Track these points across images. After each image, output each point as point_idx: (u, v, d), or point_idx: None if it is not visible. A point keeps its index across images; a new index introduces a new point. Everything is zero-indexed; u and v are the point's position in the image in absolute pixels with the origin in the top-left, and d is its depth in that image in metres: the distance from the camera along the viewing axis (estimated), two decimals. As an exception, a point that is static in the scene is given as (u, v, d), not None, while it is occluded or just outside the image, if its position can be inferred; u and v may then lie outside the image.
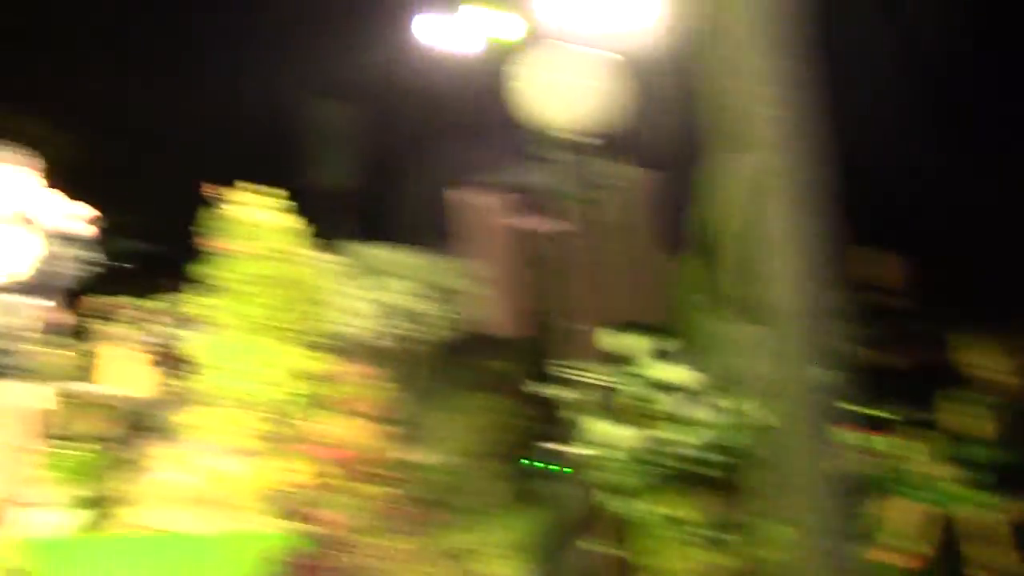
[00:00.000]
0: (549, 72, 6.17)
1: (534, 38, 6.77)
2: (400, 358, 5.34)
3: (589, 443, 3.96)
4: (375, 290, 5.39)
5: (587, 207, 6.47)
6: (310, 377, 4.09)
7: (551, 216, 6.69)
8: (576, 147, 6.24)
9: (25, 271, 2.63)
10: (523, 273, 7.31)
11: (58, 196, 2.87)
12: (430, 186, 8.20)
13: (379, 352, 5.13)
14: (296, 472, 3.80)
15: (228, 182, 4.37)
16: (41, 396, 2.98)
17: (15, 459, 2.77)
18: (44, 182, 2.98)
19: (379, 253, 5.80)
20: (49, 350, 5.02)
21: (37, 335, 3.09)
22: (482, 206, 7.77)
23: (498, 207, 7.69)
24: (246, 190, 4.37)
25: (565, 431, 4.20)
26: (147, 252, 16.58)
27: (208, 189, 4.27)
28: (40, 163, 3.03)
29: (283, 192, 4.40)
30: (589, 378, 4.14)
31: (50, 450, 4.37)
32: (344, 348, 4.59)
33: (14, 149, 2.81)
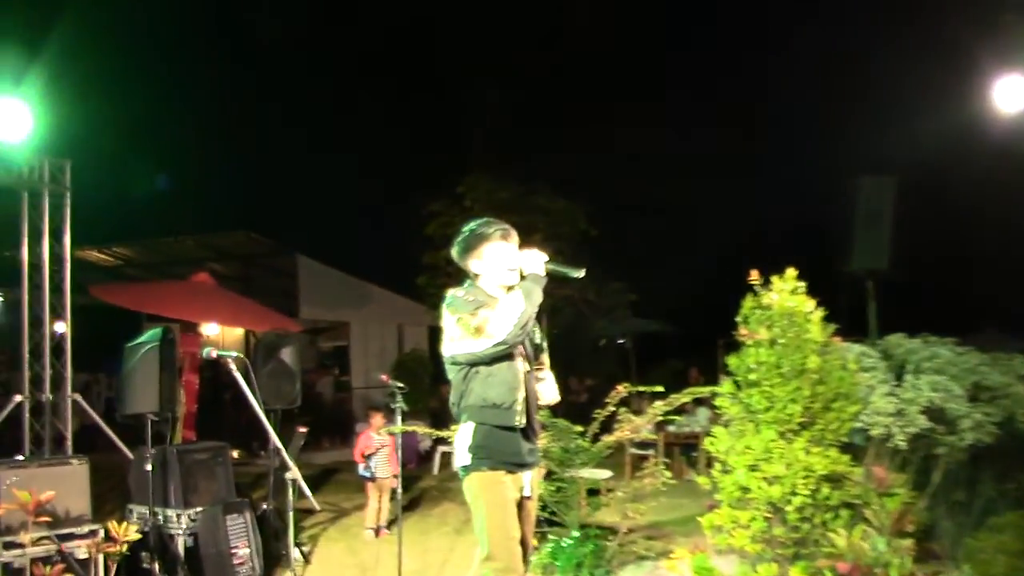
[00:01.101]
0: None
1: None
2: (928, 463, 4.97)
3: None
4: (906, 387, 4.95)
5: None
6: (829, 479, 3.96)
7: None
8: None
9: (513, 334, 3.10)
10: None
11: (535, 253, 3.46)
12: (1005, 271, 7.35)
13: (904, 455, 4.86)
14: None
15: (761, 265, 4.35)
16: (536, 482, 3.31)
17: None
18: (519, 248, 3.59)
19: (913, 344, 5.40)
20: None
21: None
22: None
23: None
24: (785, 276, 4.32)
25: None
26: (661, 332, 18.25)
27: (752, 274, 4.26)
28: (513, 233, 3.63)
29: (816, 276, 4.35)
30: None
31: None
32: (864, 448, 4.44)
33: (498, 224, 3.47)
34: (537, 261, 3.25)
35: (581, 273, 3.28)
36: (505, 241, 3.38)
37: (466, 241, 3.40)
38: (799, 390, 4.17)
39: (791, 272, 4.42)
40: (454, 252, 3.44)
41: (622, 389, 5.71)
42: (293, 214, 21.85)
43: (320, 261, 14.86)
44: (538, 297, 3.19)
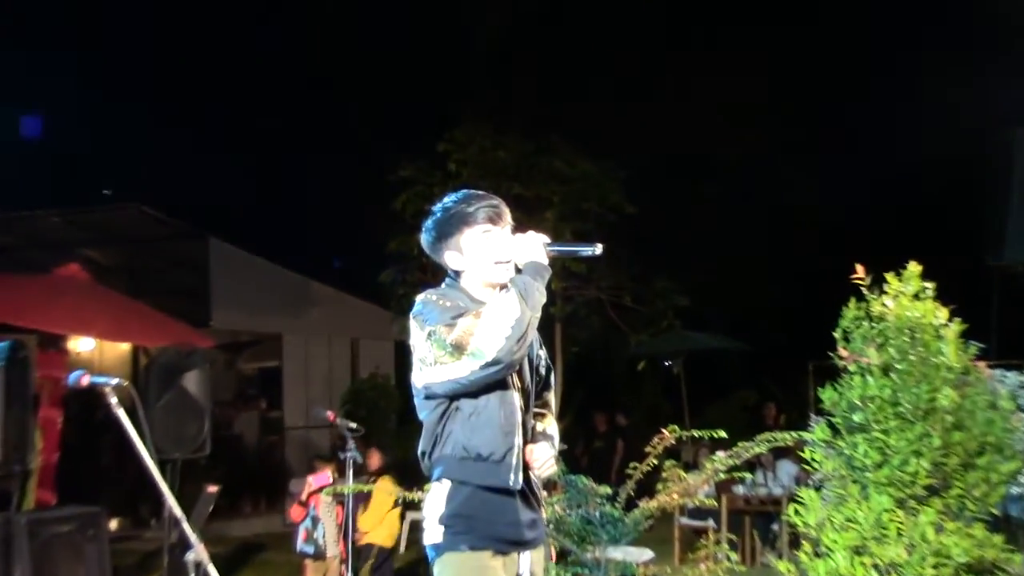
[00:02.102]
0: None
1: None
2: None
3: None
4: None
5: None
6: (973, 570, 3.98)
7: None
8: None
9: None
10: None
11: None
12: None
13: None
14: None
15: (868, 258, 4.34)
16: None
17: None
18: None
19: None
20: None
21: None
22: None
23: None
24: (906, 274, 4.33)
25: None
26: (724, 350, 18.32)
27: (857, 270, 4.21)
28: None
29: (949, 274, 4.39)
30: None
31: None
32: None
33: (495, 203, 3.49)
34: (534, 245, 3.34)
35: (597, 250, 3.37)
36: (493, 224, 3.44)
37: (439, 225, 3.45)
38: (926, 438, 4.17)
39: (914, 268, 4.44)
40: (423, 241, 3.51)
41: (669, 433, 5.71)
42: (205, 183, 21.68)
43: (243, 248, 15.02)
44: (540, 296, 3.25)
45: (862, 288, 4.37)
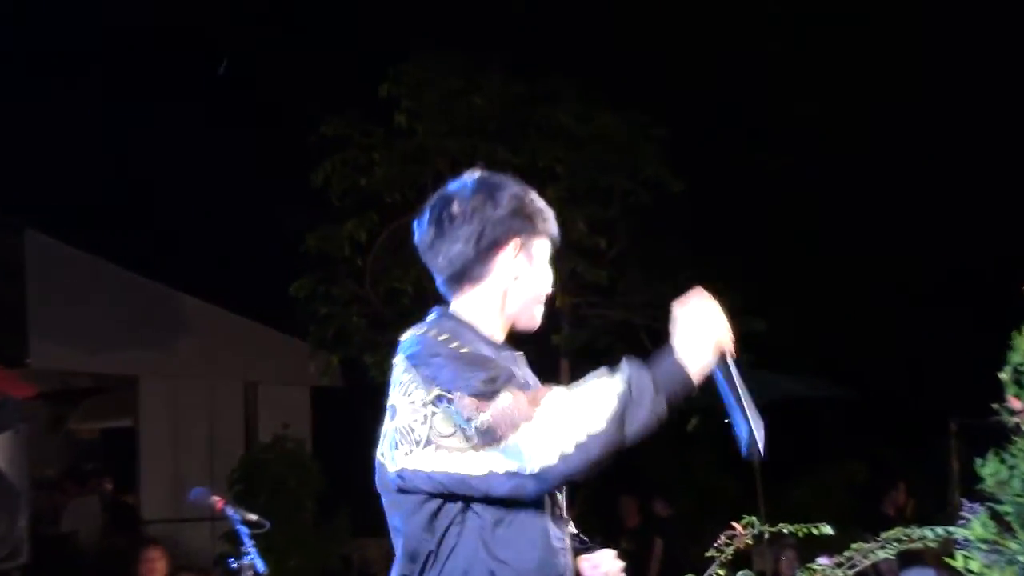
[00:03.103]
0: None
1: None
2: None
3: None
4: None
5: None
6: None
7: None
8: None
9: None
10: None
11: None
12: None
13: None
14: None
15: None
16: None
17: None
18: None
19: None
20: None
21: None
22: None
23: None
24: None
25: None
26: (816, 398, 18.16)
27: None
28: None
29: None
30: None
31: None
32: None
33: None
34: (704, 339, 3.33)
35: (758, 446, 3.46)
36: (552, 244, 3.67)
37: (521, 207, 3.55)
38: None
39: None
40: (461, 236, 3.51)
41: (742, 528, 5.68)
42: (24, 153, 21.67)
43: (79, 246, 15.11)
44: (647, 419, 3.25)
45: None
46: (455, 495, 3.27)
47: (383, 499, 3.43)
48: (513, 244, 3.49)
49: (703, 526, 6.02)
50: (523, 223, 3.51)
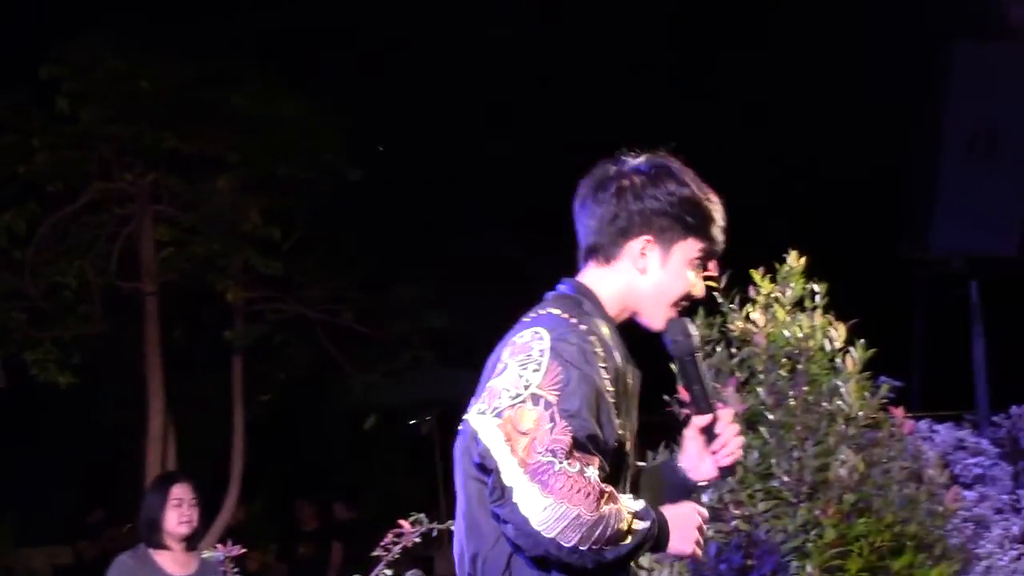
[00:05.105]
0: None
1: None
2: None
3: None
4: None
5: None
6: None
7: None
8: None
9: None
10: None
11: None
12: None
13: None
14: None
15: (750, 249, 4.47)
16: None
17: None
18: None
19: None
20: None
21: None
22: None
23: None
24: (785, 272, 4.62)
25: None
26: None
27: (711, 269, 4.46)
28: None
29: (852, 271, 4.55)
30: None
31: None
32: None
33: None
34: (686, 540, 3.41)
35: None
36: (712, 259, 3.68)
37: (680, 204, 3.52)
38: (815, 528, 4.42)
39: (795, 260, 4.69)
40: (599, 211, 3.51)
41: (410, 526, 5.79)
42: None
43: None
44: (622, 551, 3.23)
45: (715, 293, 4.57)
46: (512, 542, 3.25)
47: (456, 467, 3.42)
48: (645, 239, 3.47)
49: (386, 530, 6.02)
50: (670, 222, 3.47)
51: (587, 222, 3.54)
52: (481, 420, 3.24)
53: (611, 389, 3.31)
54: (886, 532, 4.37)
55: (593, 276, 3.52)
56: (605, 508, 3.13)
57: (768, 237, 4.35)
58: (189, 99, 12.46)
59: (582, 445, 3.14)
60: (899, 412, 4.64)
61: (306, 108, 12.90)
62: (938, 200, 8.59)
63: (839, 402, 4.47)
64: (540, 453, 3.11)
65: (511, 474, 3.15)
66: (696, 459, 3.57)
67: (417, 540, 5.81)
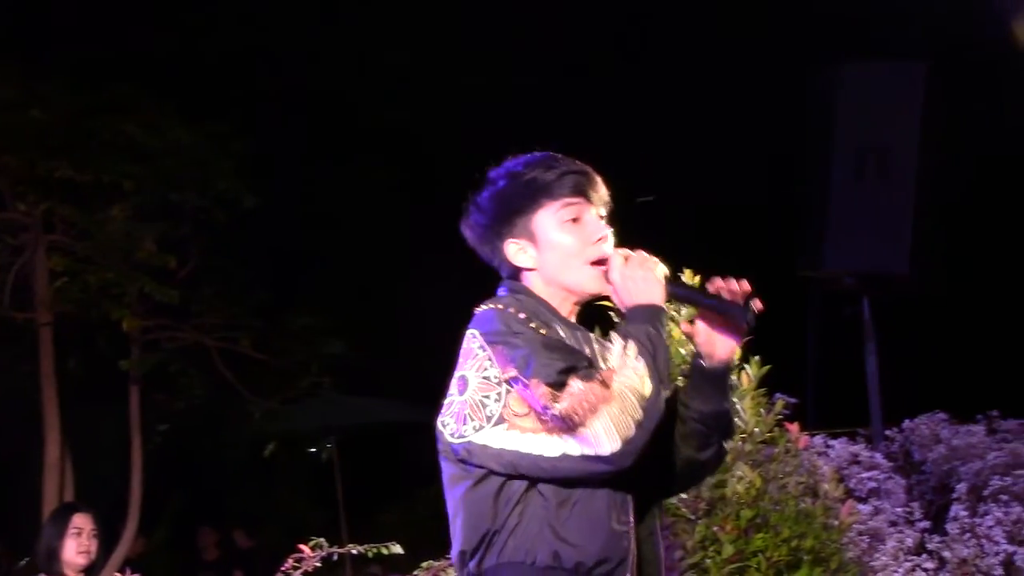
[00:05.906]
0: None
1: None
2: None
3: None
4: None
5: None
6: None
7: None
8: None
9: None
10: None
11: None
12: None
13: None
14: None
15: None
16: None
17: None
18: None
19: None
20: None
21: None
22: None
23: None
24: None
25: None
26: (401, 422, 18.48)
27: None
28: None
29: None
30: None
31: None
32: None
33: None
34: (648, 275, 3.52)
35: (749, 318, 3.47)
36: (585, 201, 3.61)
37: (502, 199, 3.61)
38: (712, 545, 4.44)
39: (689, 279, 4.77)
40: (471, 224, 3.65)
41: (311, 551, 5.92)
42: None
43: None
44: (667, 362, 3.44)
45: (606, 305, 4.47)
46: (522, 475, 3.35)
47: (441, 465, 3.49)
48: (509, 242, 3.57)
49: (287, 556, 6.04)
50: (510, 215, 3.56)
51: (476, 250, 3.65)
52: (485, 435, 3.34)
53: (562, 335, 3.42)
54: (783, 547, 4.40)
55: (529, 277, 3.59)
56: (614, 385, 3.25)
57: (664, 256, 4.35)
58: (82, 128, 12.34)
59: (557, 383, 3.25)
60: (794, 428, 4.69)
61: (201, 135, 12.79)
62: (830, 218, 8.73)
63: (735, 419, 4.34)
64: (547, 417, 3.23)
65: (550, 447, 3.26)
66: (709, 345, 3.57)
67: (318, 564, 5.91)
